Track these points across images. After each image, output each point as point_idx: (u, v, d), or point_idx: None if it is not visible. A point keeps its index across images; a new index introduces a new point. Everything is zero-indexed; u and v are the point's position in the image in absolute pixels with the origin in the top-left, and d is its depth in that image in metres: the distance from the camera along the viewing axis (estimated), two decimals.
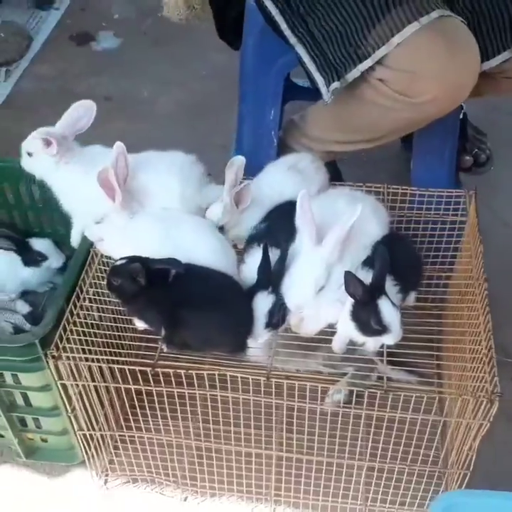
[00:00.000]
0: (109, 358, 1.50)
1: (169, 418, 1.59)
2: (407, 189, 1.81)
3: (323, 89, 1.71)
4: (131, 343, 1.62)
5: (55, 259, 2.09)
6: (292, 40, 1.71)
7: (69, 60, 3.29)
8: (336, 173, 2.14)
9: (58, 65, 3.26)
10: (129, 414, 1.69)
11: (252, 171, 1.81)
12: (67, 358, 1.49)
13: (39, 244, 2.07)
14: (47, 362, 1.55)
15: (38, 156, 1.74)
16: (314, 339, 1.64)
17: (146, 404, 1.61)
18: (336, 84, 1.68)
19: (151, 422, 1.66)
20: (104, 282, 1.63)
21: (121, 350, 1.77)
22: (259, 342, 1.51)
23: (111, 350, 1.67)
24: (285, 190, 1.70)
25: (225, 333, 1.49)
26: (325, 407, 1.71)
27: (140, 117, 2.96)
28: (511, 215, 2.49)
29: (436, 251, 1.85)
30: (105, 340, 1.67)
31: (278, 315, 1.50)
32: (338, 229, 1.46)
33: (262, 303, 1.49)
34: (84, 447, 1.69)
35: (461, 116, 2.28)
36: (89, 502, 1.77)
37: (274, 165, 1.82)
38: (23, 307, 2.09)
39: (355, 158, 2.44)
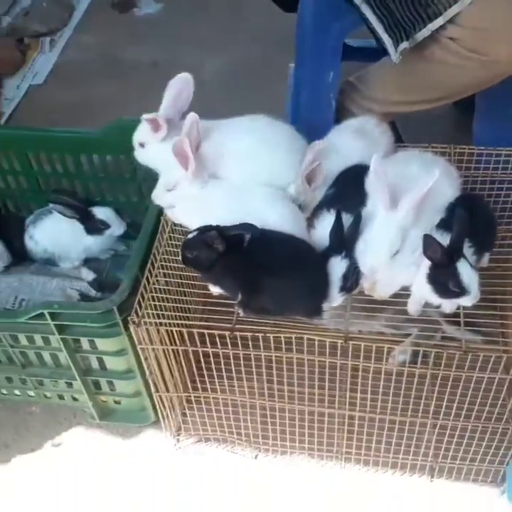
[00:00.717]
0: (188, 322, 1.54)
1: (236, 379, 1.64)
2: (474, 149, 1.80)
3: (391, 49, 1.69)
4: (203, 307, 1.65)
5: (116, 227, 2.12)
6: (357, 0, 1.69)
7: (112, 28, 3.30)
8: (396, 134, 2.12)
9: (102, 33, 3.27)
10: (196, 376, 1.75)
11: (310, 135, 1.80)
12: (146, 323, 1.53)
13: (101, 212, 2.11)
14: (124, 327, 1.60)
15: (150, 146, 1.71)
16: (377, 300, 1.66)
17: (212, 366, 1.64)
18: (404, 44, 1.67)
19: (217, 384, 1.70)
20: (177, 249, 1.67)
21: (194, 315, 1.82)
22: (333, 305, 1.53)
23: (182, 314, 1.72)
24: (352, 155, 1.70)
25: (302, 297, 1.52)
26: (390, 367, 1.75)
27: None
28: None
29: (503, 211, 1.84)
30: (177, 305, 1.71)
31: (352, 279, 1.51)
32: (414, 193, 1.46)
33: (336, 267, 1.51)
34: (160, 408, 1.74)
35: None
36: (163, 460, 1.83)
37: (339, 129, 1.81)
38: (88, 274, 2.15)
39: (405, 118, 2.42)
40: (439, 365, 1.51)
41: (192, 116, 1.59)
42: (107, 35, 3.25)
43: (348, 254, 1.52)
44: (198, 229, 1.52)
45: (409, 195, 1.46)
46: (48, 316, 1.57)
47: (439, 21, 1.61)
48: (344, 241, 1.52)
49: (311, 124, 2.02)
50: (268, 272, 1.48)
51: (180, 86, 1.69)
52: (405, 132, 2.34)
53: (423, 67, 1.76)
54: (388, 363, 1.83)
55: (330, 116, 2.07)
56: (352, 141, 1.74)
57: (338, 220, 1.52)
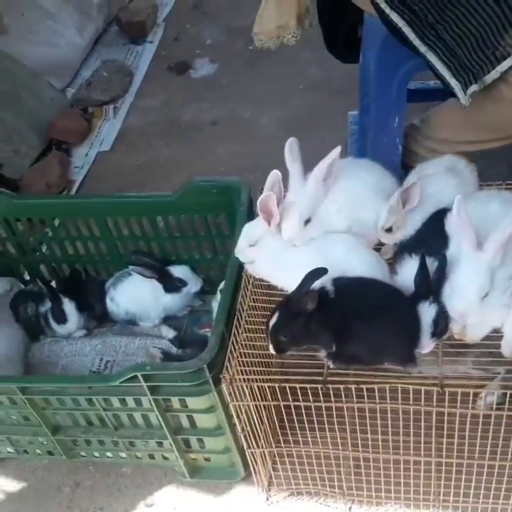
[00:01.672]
0: (272, 377, 1.55)
1: (328, 430, 1.62)
2: None
3: (460, 93, 1.70)
4: (282, 360, 1.65)
5: (193, 284, 2.17)
6: (422, 48, 1.71)
7: (170, 90, 3.42)
8: None
9: (161, 96, 3.39)
10: (287, 429, 1.74)
11: None
12: (237, 380, 1.54)
13: (178, 271, 2.17)
14: (214, 385, 1.61)
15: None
16: (462, 343, 1.64)
17: (304, 418, 1.62)
18: (474, 87, 1.68)
19: (309, 436, 1.70)
20: (258, 304, 1.70)
21: (277, 369, 1.82)
22: (424, 352, 1.52)
23: (266, 369, 1.73)
24: (445, 193, 1.69)
25: (395, 344, 1.51)
26: (479, 410, 1.71)
27: (246, 138, 3.04)
28: None
29: None
30: (261, 359, 1.72)
31: (442, 324, 1.50)
32: (501, 233, 1.45)
33: (426, 313, 1.50)
34: (252, 463, 1.74)
35: None
36: None
37: (429, 167, 1.80)
38: (168, 332, 2.19)
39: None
40: None
41: (274, 173, 1.64)
42: (166, 98, 3.37)
43: (435, 299, 1.51)
44: (277, 309, 1.51)
45: (495, 236, 1.46)
46: (141, 378, 1.60)
47: (507, 63, 1.62)
48: (431, 286, 1.51)
49: None
50: (360, 319, 1.48)
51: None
52: None
53: (491, 107, 1.77)
54: (477, 405, 1.80)
55: (396, 159, 2.09)
56: (444, 179, 1.73)
57: (423, 265, 1.51)
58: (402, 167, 2.07)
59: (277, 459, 1.85)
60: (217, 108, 3.23)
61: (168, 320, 2.25)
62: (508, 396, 1.72)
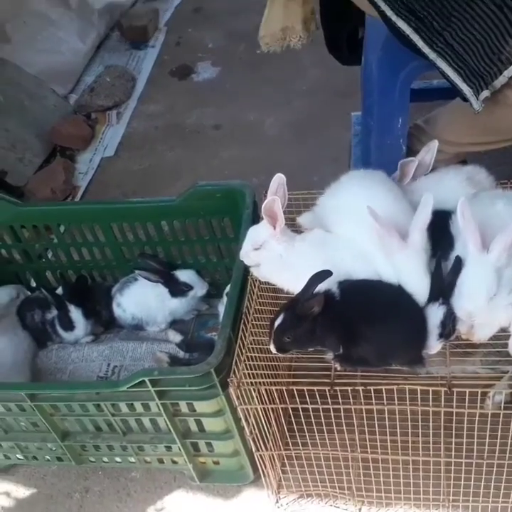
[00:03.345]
0: (279, 380, 1.55)
1: (336, 432, 1.62)
2: None
3: (472, 98, 1.70)
4: (290, 363, 1.65)
5: (199, 288, 2.18)
6: (432, 55, 1.71)
7: (173, 95, 3.43)
8: None
9: (164, 101, 3.40)
10: (296, 431, 1.74)
11: None
12: (245, 383, 1.55)
13: (184, 275, 2.17)
14: (221, 388, 1.62)
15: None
16: (470, 342, 1.63)
17: (312, 421, 1.63)
18: (486, 93, 1.68)
19: (317, 438, 1.69)
20: (264, 307, 1.70)
21: (284, 372, 1.82)
22: (432, 353, 1.52)
23: (273, 372, 1.73)
24: None
25: (403, 346, 1.51)
26: (487, 409, 1.71)
27: (251, 141, 3.05)
28: None
29: None
30: (268, 363, 1.72)
31: (449, 325, 1.50)
32: (506, 234, 1.45)
33: (434, 314, 1.50)
34: (261, 466, 1.74)
35: None
36: None
37: (450, 175, 1.79)
38: (175, 336, 2.19)
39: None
40: None
41: (278, 177, 1.65)
42: (169, 103, 3.38)
43: (444, 301, 1.51)
44: (284, 309, 1.52)
45: (501, 237, 1.46)
46: (148, 383, 1.61)
47: None
48: (444, 287, 1.51)
49: (382, 171, 2.04)
50: (367, 322, 1.48)
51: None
52: None
53: (499, 111, 1.77)
54: (485, 404, 1.80)
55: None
56: (462, 184, 1.73)
57: (438, 267, 1.51)
58: None
59: (286, 461, 1.85)
60: (221, 112, 3.24)
61: (174, 324, 2.25)
62: (504, 395, 1.75)
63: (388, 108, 2.03)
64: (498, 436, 1.56)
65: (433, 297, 1.51)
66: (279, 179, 1.66)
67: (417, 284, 1.53)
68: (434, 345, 1.52)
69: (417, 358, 1.51)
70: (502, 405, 1.77)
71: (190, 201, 2.08)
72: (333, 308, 1.48)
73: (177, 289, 2.16)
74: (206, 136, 3.13)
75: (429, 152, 1.80)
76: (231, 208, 2.05)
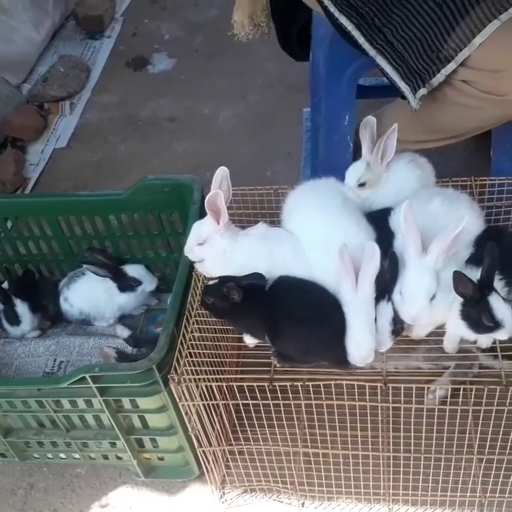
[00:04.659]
0: (224, 376, 1.56)
1: (277, 427, 1.64)
2: (495, 180, 1.81)
3: (409, 96, 1.73)
4: (237, 360, 1.66)
5: (148, 283, 2.16)
6: (372, 52, 1.73)
7: (128, 86, 3.39)
8: None
9: (119, 92, 3.36)
10: (237, 427, 1.76)
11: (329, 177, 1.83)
12: (185, 380, 1.55)
13: (132, 270, 2.15)
14: (164, 384, 1.62)
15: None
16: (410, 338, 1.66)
17: (253, 416, 1.64)
18: (423, 91, 1.70)
19: (259, 433, 1.71)
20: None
21: (230, 368, 1.83)
22: (384, 350, 1.54)
23: (219, 368, 1.73)
24: (409, 180, 1.73)
25: (323, 346, 1.54)
26: (430, 404, 1.75)
27: (205, 134, 3.03)
28: None
29: None
30: (214, 359, 1.72)
31: (400, 322, 1.53)
32: (443, 238, 1.47)
33: (384, 312, 1.52)
34: (204, 462, 1.74)
35: None
36: None
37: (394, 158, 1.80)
38: (123, 331, 2.18)
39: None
40: (481, 397, 1.49)
41: (222, 170, 1.64)
42: (123, 94, 3.33)
43: (390, 298, 1.53)
44: (219, 278, 1.58)
45: (438, 241, 1.47)
46: (89, 380, 1.60)
47: (451, 66, 1.64)
48: (387, 285, 1.53)
49: (330, 166, 2.07)
50: (288, 318, 1.52)
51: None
52: None
53: (438, 109, 1.80)
54: (428, 399, 1.83)
55: (348, 157, 2.12)
56: (408, 169, 1.76)
57: (381, 266, 1.52)
58: None
59: (230, 457, 1.85)
60: (176, 104, 3.21)
61: (123, 319, 2.24)
62: (449, 390, 1.78)
63: (335, 105, 2.05)
64: (434, 431, 1.60)
65: (381, 295, 1.52)
66: (222, 172, 1.65)
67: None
68: (387, 342, 1.54)
69: (341, 360, 1.52)
70: (448, 400, 1.79)
71: (138, 195, 2.07)
72: (261, 300, 1.53)
73: (126, 284, 2.14)
74: (160, 129, 3.10)
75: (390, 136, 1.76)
76: (180, 203, 2.04)
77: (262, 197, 1.93)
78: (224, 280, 1.56)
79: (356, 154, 2.17)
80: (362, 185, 1.73)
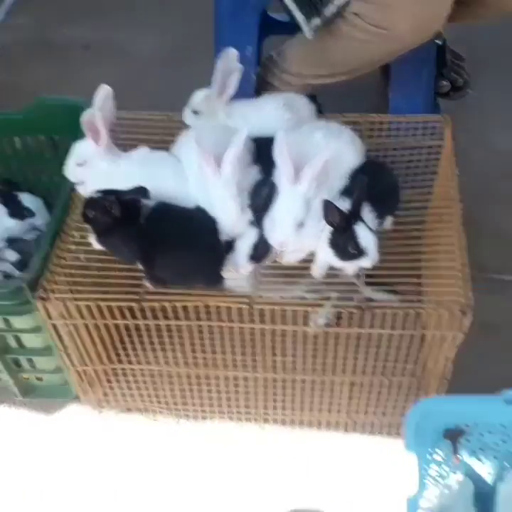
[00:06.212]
0: (96, 296, 1.55)
1: (158, 349, 1.68)
2: (383, 117, 1.83)
3: (304, 26, 1.73)
4: (117, 281, 1.65)
5: (40, 218, 2.12)
6: None
7: (45, 8, 3.26)
8: (316, 106, 2.15)
9: (34, 15, 3.23)
10: (120, 349, 1.78)
11: None
12: (56, 298, 1.54)
13: (29, 200, 2.11)
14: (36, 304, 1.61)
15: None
16: (297, 267, 1.69)
17: (135, 338, 1.70)
18: (316, 21, 1.72)
19: (141, 355, 1.75)
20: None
21: (109, 288, 1.82)
22: (242, 273, 1.56)
23: (98, 289, 1.73)
24: (275, 124, 1.70)
25: (197, 268, 1.56)
26: (309, 329, 1.79)
27: (121, 63, 2.95)
28: (489, 137, 2.53)
29: (415, 176, 1.87)
30: (92, 280, 1.72)
31: (263, 247, 1.55)
32: (312, 166, 1.48)
33: (247, 235, 1.54)
34: (79, 382, 1.75)
35: (440, 43, 2.29)
36: (87, 434, 1.86)
37: (265, 100, 1.82)
38: (11, 255, 2.14)
39: (335, 91, 2.45)
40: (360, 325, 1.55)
41: (105, 89, 1.60)
42: (38, 17, 3.21)
43: (258, 224, 1.55)
44: (100, 191, 1.54)
45: (308, 168, 1.48)
46: None
47: None
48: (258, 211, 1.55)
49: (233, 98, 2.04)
50: (163, 241, 1.52)
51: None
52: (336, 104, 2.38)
53: (332, 43, 1.82)
54: (310, 323, 1.87)
55: (250, 89, 2.10)
56: (278, 111, 1.75)
57: (256, 192, 1.56)
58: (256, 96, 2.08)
59: (112, 378, 1.86)
60: (93, 30, 3.12)
61: (14, 243, 2.19)
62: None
63: (238, 36, 2.04)
64: (310, 356, 1.69)
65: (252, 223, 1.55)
66: (105, 91, 1.61)
67: (224, 213, 1.55)
68: (243, 265, 1.56)
69: (216, 280, 1.55)
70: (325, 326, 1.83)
71: (31, 116, 2.01)
72: (136, 222, 1.52)
73: (17, 211, 2.10)
74: (74, 55, 3.01)
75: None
76: (76, 127, 1.99)
77: (157, 123, 1.90)
78: (106, 192, 1.53)
79: (261, 88, 2.16)
80: (196, 113, 1.74)
